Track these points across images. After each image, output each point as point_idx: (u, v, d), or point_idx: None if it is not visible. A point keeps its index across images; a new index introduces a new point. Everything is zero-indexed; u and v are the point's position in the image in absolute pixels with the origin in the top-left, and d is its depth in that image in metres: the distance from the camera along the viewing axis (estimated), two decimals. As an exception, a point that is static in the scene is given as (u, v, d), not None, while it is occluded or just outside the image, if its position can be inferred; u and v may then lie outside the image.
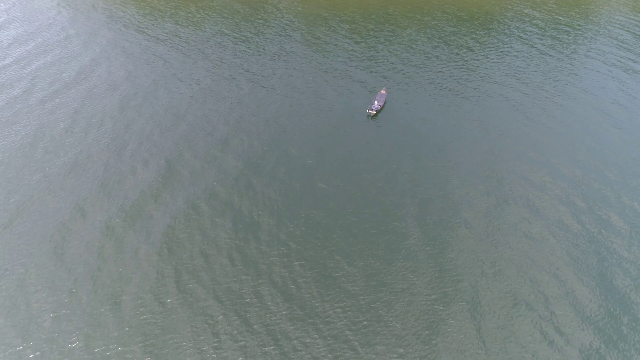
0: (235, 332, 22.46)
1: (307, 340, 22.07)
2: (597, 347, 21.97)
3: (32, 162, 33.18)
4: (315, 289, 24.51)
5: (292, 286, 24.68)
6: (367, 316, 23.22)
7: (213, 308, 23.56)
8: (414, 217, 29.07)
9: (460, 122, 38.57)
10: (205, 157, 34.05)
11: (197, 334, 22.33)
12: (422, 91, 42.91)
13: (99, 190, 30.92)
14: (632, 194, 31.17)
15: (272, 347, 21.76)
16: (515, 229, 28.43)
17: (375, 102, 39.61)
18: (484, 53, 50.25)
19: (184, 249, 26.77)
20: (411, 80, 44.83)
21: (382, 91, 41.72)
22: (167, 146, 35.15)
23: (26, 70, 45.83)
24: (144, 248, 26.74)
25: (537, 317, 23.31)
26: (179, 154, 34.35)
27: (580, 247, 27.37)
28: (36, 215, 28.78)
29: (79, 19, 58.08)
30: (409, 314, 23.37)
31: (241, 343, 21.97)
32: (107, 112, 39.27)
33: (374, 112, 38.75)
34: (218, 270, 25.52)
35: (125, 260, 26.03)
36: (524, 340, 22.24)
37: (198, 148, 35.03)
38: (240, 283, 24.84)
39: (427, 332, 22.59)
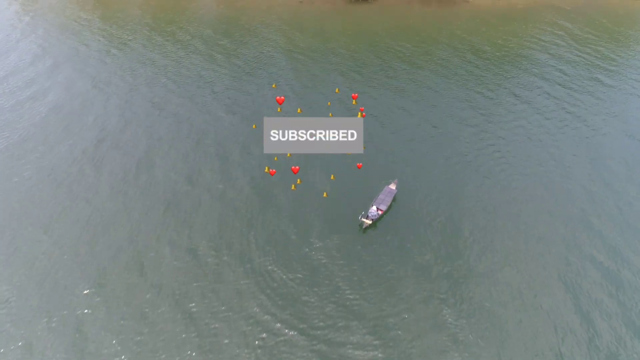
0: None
1: None
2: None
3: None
4: None
5: None
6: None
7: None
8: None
9: (489, 231, 27.08)
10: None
11: None
12: (439, 176, 30.98)
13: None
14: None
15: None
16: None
17: (374, 207, 26.99)
18: (518, 113, 38.82)
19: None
20: (427, 162, 32.16)
21: (391, 185, 28.87)
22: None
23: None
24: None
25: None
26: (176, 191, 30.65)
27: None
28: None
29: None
30: None
31: None
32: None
33: (370, 222, 26.07)
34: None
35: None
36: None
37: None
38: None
39: None
